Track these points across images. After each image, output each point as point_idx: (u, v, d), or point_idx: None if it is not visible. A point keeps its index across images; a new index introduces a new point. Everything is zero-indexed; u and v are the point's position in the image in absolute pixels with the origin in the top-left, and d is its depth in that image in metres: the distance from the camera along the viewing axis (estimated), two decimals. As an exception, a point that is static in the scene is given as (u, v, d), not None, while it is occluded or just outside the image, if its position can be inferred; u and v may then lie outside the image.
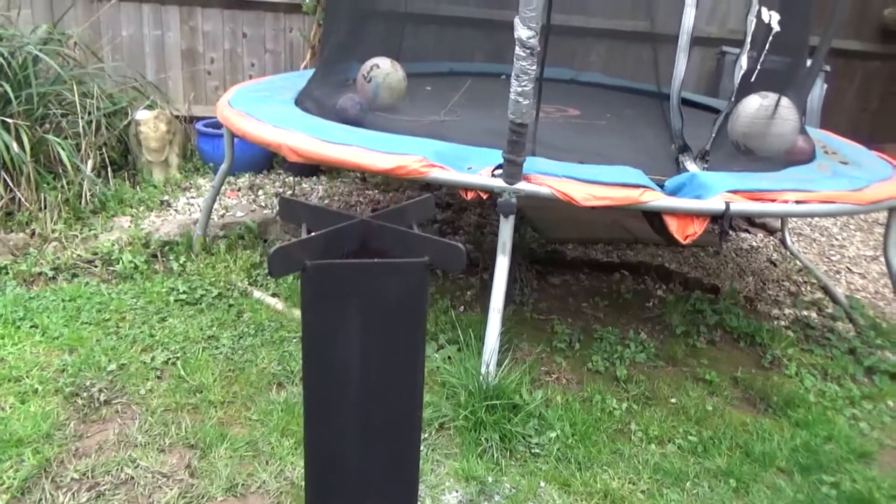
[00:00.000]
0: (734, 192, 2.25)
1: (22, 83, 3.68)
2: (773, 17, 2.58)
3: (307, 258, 1.13)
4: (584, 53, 5.23)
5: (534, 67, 2.04)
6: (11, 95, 3.54)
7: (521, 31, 2.00)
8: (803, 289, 3.65)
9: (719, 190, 2.23)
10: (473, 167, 2.37)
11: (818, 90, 4.69)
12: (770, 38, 2.53)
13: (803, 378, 2.72)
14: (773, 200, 2.29)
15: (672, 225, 2.20)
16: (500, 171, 2.26)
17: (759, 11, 2.51)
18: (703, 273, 3.73)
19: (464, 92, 3.74)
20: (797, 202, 2.31)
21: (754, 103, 2.88)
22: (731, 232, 2.77)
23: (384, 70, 3.37)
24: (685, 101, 3.52)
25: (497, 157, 2.32)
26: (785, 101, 2.79)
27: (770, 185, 2.37)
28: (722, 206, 2.19)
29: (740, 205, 2.22)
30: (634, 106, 4.21)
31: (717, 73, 5.18)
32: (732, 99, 2.66)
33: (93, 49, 4.50)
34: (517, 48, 2.04)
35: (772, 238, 4.33)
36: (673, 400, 2.52)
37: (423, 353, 1.32)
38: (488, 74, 4.61)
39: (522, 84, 2.06)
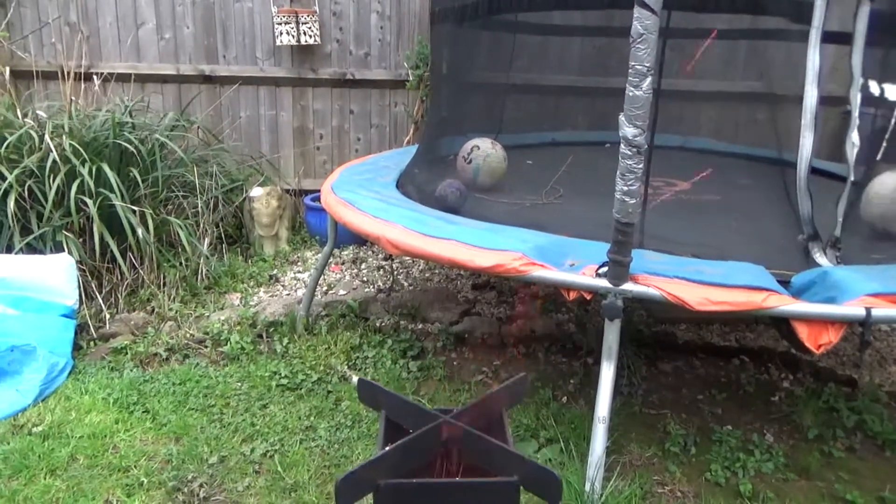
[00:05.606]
0: (876, 295, 1.98)
1: (149, 168, 3.97)
2: (886, 90, 2.32)
3: (380, 477, 1.05)
4: (693, 117, 5.00)
5: (640, 167, 1.92)
6: (139, 180, 3.81)
7: (627, 130, 1.89)
8: (961, 383, 3.19)
9: (858, 293, 1.97)
10: (576, 263, 2.24)
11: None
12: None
13: (969, 501, 2.33)
14: (924, 304, 2.00)
15: (802, 332, 1.96)
16: (604, 270, 2.12)
17: (863, 85, 2.26)
18: (836, 360, 3.35)
19: (565, 167, 3.64)
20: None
21: (889, 182, 2.59)
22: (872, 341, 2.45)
23: (484, 151, 3.35)
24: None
25: (601, 249, 2.19)
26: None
27: (920, 283, 2.07)
28: (862, 313, 1.93)
29: (885, 311, 1.95)
30: (751, 175, 3.94)
31: (843, 133, 4.77)
32: (851, 179, 2.40)
33: (214, 132, 4.82)
34: (622, 146, 1.93)
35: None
36: (807, 525, 2.22)
37: None
38: (591, 143, 4.50)
39: (629, 183, 1.94)
